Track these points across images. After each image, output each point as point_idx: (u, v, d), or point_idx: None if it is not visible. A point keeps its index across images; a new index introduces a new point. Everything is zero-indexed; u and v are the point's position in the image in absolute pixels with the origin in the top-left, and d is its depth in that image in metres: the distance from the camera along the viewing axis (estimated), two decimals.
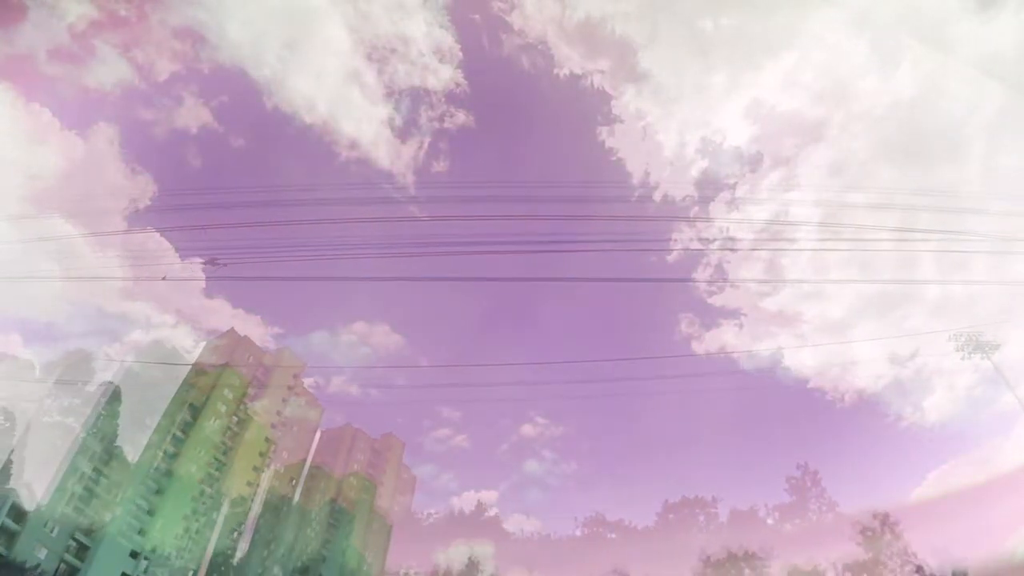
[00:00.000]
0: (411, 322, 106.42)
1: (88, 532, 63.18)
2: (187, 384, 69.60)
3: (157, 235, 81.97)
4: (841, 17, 78.31)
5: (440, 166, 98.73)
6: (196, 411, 69.13)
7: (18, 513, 56.84)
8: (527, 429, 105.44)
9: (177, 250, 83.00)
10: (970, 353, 57.04)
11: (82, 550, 62.62)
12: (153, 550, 67.13)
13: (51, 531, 58.87)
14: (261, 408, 75.66)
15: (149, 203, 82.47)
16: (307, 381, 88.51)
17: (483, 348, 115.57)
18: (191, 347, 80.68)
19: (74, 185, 77.65)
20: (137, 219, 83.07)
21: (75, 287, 75.72)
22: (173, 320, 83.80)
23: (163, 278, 64.00)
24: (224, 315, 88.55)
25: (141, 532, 66.12)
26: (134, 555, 66.57)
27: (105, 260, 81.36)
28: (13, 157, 71.33)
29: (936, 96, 77.61)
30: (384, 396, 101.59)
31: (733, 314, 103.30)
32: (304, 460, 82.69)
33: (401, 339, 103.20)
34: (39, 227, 67.67)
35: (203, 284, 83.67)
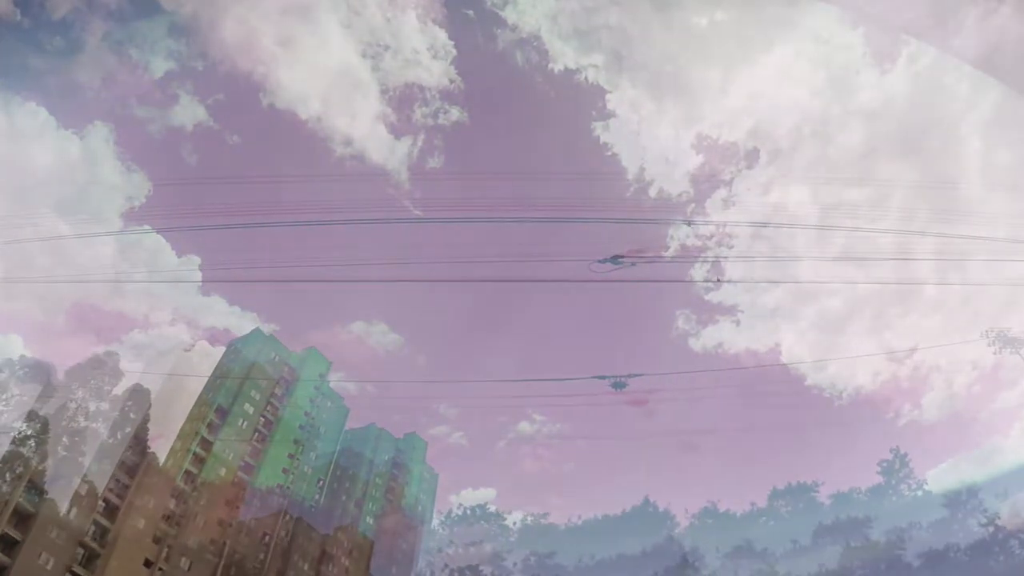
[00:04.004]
0: (409, 321, 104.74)
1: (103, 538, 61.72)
2: (212, 385, 67.54)
3: (153, 233, 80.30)
4: (836, 12, 79.17)
5: (435, 162, 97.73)
6: (224, 413, 67.21)
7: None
8: (524, 427, 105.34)
9: (173, 247, 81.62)
10: (1000, 348, 62.30)
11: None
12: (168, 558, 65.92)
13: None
14: (288, 409, 74.02)
15: (144, 201, 79.92)
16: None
17: (481, 346, 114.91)
18: (189, 345, 78.79)
19: (71, 184, 74.47)
20: (133, 217, 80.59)
21: (73, 287, 72.86)
22: (170, 318, 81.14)
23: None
24: (220, 313, 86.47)
25: (164, 536, 64.59)
26: (147, 564, 65.22)
27: (103, 259, 78.81)
28: (12, 157, 68.28)
29: (933, 92, 79.11)
30: (385, 396, 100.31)
31: (730, 311, 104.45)
32: (330, 461, 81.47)
33: (399, 339, 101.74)
34: (37, 227, 65.54)
35: (200, 282, 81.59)
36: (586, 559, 77.56)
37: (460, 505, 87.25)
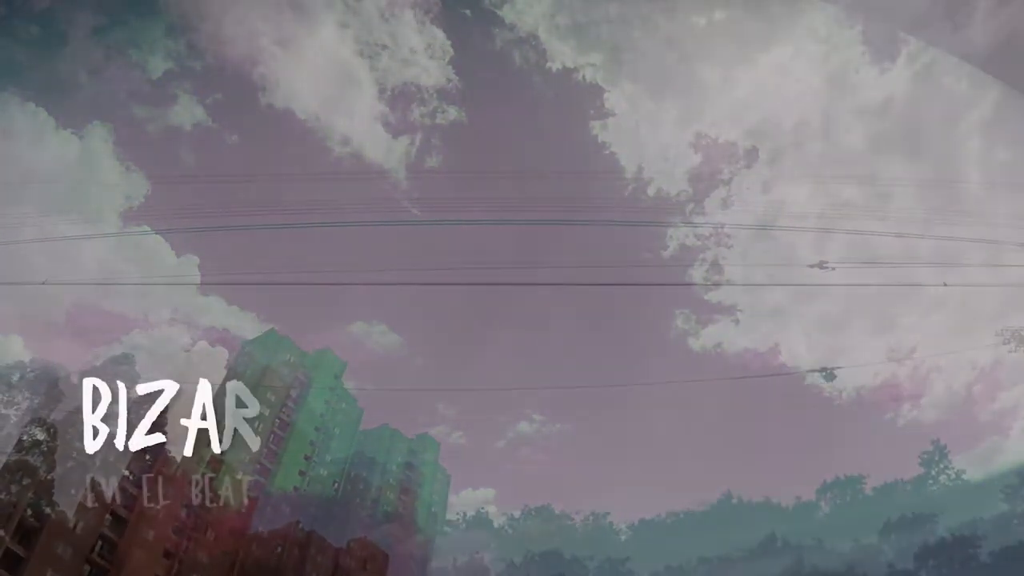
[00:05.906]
0: (409, 322, 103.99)
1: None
2: (224, 388, 65.18)
3: (152, 233, 79.25)
4: (835, 10, 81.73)
5: (433, 161, 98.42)
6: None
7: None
8: (524, 426, 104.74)
9: (172, 247, 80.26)
10: (1016, 347, 61.72)
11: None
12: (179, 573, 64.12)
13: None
14: (304, 411, 72.32)
15: (143, 200, 78.99)
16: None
17: (481, 346, 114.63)
18: (189, 345, 77.16)
19: (70, 184, 72.83)
20: (132, 217, 79.44)
21: (71, 287, 70.94)
22: (169, 318, 79.28)
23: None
24: (220, 313, 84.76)
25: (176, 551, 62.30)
26: None
27: (102, 259, 76.95)
28: (11, 157, 66.67)
29: (933, 90, 78.10)
30: (390, 397, 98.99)
31: (729, 310, 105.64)
32: (345, 463, 79.61)
33: (399, 339, 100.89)
34: (36, 227, 64.03)
35: (199, 284, 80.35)
36: (701, 560, 73.26)
37: (525, 505, 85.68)
